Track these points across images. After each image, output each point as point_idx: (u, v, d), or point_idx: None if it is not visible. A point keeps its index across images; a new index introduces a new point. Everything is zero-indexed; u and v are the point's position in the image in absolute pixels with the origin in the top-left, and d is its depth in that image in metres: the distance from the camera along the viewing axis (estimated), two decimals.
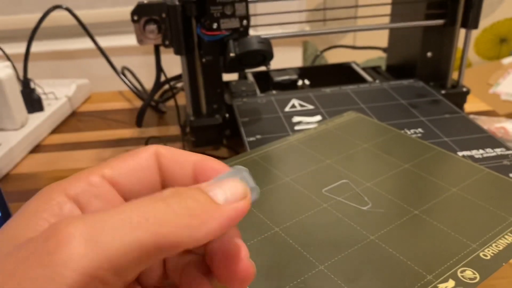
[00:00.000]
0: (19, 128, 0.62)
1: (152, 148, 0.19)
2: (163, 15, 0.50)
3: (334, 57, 1.10)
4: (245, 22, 0.47)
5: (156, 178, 0.19)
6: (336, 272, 0.30)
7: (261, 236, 0.33)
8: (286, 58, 1.11)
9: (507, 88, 1.04)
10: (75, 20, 0.68)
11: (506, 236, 0.32)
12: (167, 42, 0.52)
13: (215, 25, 0.47)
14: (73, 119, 0.73)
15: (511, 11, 1.18)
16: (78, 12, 0.68)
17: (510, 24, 1.19)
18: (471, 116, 0.57)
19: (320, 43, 1.12)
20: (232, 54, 0.47)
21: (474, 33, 1.20)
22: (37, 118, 0.65)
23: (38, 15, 0.66)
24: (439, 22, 0.57)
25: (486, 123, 0.55)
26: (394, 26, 0.62)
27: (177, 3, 0.48)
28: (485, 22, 1.19)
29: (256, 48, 0.47)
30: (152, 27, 0.51)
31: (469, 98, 0.60)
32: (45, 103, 0.69)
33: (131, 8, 0.51)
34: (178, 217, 0.15)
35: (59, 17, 0.69)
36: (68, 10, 0.66)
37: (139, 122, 0.68)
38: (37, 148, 0.64)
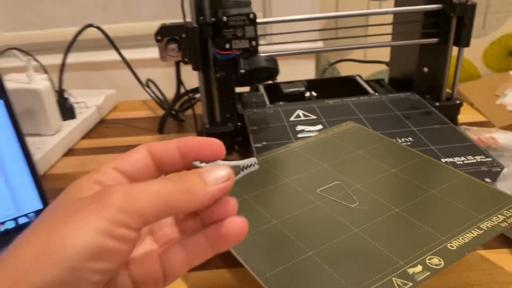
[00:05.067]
0: (54, 134, 0.69)
1: (145, 146, 0.27)
2: (183, 35, 0.57)
3: (345, 70, 1.15)
4: (253, 42, 0.53)
5: (150, 165, 0.26)
6: (323, 257, 0.35)
7: (261, 227, 0.39)
8: (300, 70, 1.16)
9: None
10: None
11: (472, 231, 0.37)
12: (186, 59, 0.58)
13: (227, 46, 0.53)
14: (101, 126, 0.79)
15: None
16: (105, 26, 0.74)
17: None
18: (463, 127, 0.62)
19: (333, 56, 1.17)
20: (242, 71, 0.53)
21: (483, 45, 1.24)
22: (70, 125, 0.72)
23: (69, 30, 0.72)
24: (433, 40, 0.62)
25: (477, 133, 0.59)
26: (394, 44, 0.67)
27: (195, 25, 0.55)
28: (493, 35, 1.22)
29: (263, 66, 0.53)
30: (173, 45, 0.57)
31: (468, 109, 0.64)
32: (77, 111, 0.75)
33: (155, 23, 0.58)
34: (180, 192, 0.23)
35: (90, 32, 0.76)
36: (99, 28, 0.73)
37: (160, 129, 0.75)
38: (69, 152, 0.70)
